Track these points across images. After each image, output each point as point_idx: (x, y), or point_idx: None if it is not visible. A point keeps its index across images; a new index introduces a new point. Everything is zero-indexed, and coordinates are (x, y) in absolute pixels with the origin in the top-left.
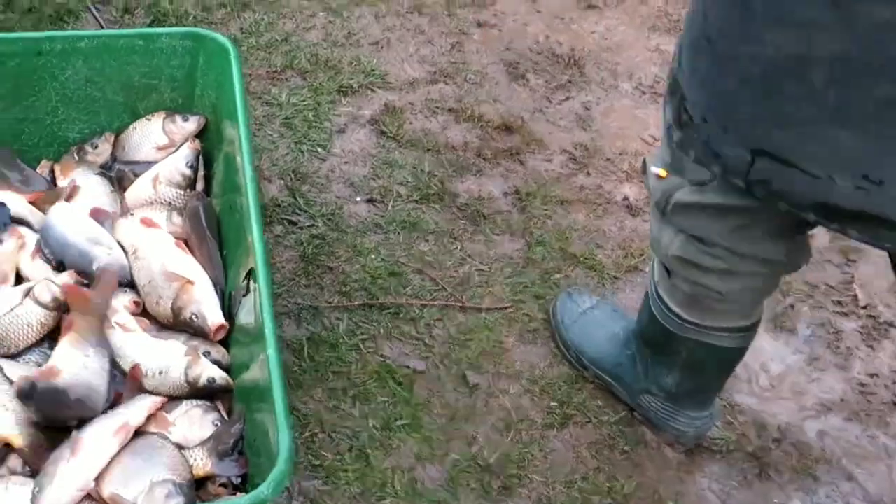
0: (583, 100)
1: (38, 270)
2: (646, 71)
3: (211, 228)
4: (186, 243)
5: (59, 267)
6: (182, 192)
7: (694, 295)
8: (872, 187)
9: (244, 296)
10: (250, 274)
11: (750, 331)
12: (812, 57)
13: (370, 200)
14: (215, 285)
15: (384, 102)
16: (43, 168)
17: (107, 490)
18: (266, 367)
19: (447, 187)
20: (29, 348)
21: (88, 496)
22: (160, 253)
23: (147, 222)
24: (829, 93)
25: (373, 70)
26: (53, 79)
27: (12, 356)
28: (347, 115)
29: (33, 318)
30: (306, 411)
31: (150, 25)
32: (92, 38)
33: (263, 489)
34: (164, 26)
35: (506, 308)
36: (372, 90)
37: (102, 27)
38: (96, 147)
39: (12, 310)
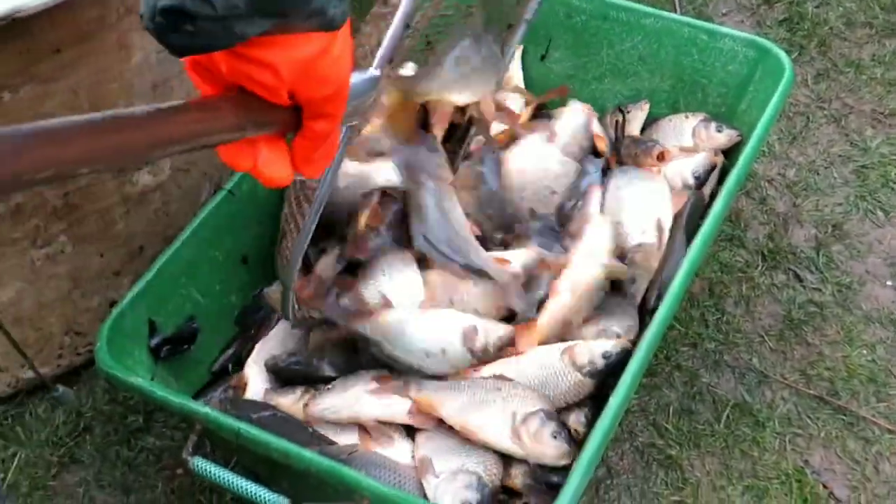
0: None
1: None
2: None
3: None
4: None
5: None
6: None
7: None
8: None
9: None
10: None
11: None
12: None
13: None
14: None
15: None
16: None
17: (419, 451)
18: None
19: None
20: None
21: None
22: None
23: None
24: None
25: None
26: (611, 46)
27: None
28: None
29: None
30: (689, 474)
31: (783, 24)
32: (657, 19)
33: None
34: (797, 32)
35: None
36: None
37: (677, 10)
38: (628, 112)
39: None
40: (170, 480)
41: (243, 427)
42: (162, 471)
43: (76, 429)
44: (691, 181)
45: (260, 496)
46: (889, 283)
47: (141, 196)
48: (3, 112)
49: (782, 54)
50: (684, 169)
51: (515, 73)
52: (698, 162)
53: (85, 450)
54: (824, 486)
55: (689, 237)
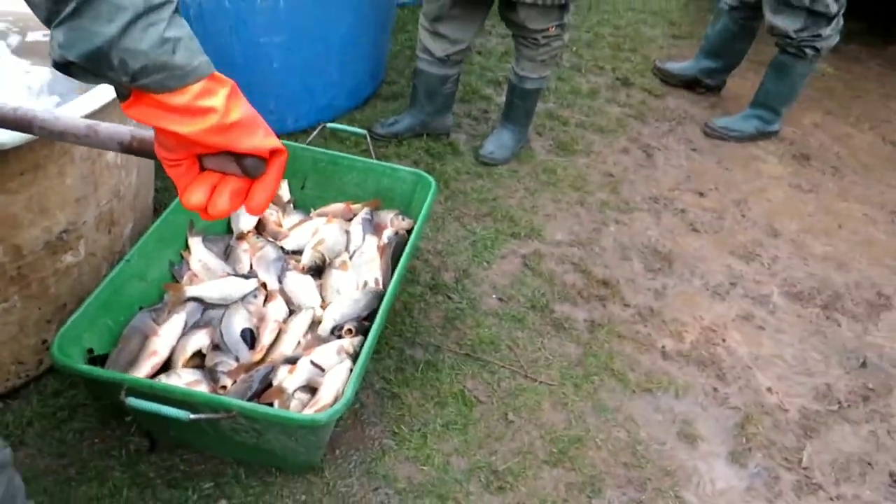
0: (663, 282)
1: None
2: (715, 278)
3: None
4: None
5: None
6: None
7: None
8: None
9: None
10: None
11: None
12: None
13: (500, 299)
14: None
15: (535, 249)
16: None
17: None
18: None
19: (550, 305)
20: None
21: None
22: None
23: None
24: None
25: (537, 230)
26: (340, 178)
27: None
28: (509, 249)
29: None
30: (405, 401)
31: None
32: (364, 163)
33: (322, 416)
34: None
35: (551, 384)
36: (531, 239)
37: (372, 157)
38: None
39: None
40: (91, 446)
41: (128, 378)
42: (83, 442)
43: (20, 424)
44: (386, 240)
45: (169, 413)
46: (494, 296)
47: (66, 269)
48: None
49: (431, 179)
50: (389, 235)
51: (284, 194)
52: (393, 232)
53: (29, 435)
54: (475, 397)
55: (393, 268)
